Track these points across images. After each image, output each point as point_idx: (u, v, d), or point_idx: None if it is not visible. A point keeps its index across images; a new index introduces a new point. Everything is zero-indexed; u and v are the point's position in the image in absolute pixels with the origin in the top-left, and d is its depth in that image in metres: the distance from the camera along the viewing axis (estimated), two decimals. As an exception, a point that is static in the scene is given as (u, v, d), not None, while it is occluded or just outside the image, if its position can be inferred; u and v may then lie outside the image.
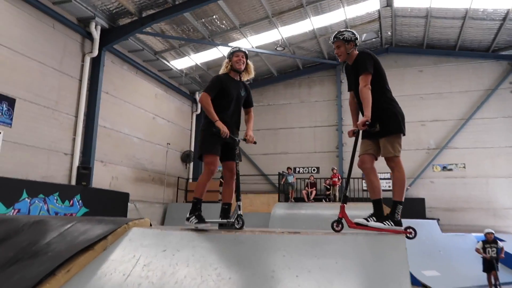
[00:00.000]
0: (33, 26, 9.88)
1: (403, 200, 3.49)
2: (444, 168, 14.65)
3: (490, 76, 14.82)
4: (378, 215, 3.47)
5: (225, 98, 3.97)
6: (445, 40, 14.81)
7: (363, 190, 15.10)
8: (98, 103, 11.57)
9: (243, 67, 4.09)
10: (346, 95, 16.65)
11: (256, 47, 14.53)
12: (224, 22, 12.88)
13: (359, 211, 11.56)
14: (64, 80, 10.76)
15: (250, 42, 14.11)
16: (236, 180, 3.98)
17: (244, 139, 4.08)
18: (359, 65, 3.51)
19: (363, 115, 3.43)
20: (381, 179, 13.59)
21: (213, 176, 3.90)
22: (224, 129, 3.78)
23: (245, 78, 4.21)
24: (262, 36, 14.01)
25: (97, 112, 11.51)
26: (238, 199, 3.94)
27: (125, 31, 11.69)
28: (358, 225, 3.36)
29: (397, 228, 3.31)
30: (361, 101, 3.46)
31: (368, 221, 3.39)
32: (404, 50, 15.91)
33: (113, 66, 12.66)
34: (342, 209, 3.51)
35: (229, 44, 13.91)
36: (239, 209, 3.86)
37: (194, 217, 3.73)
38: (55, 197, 9.87)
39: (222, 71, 4.15)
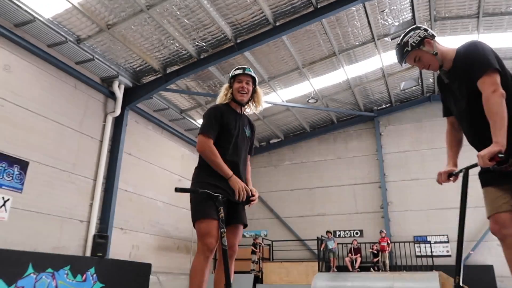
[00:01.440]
0: (54, 86, 9.46)
1: None
2: None
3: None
4: None
5: (225, 138, 2.89)
6: (495, 84, 13.44)
7: (416, 256, 13.15)
8: (119, 164, 10.78)
9: (246, 98, 3.03)
10: (387, 149, 15.32)
11: (287, 101, 13.70)
12: (252, 75, 12.21)
13: (418, 283, 9.66)
14: (84, 141, 10.11)
15: (280, 96, 13.32)
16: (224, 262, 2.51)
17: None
18: (472, 62, 2.26)
19: (480, 144, 2.20)
20: (436, 242, 11.44)
21: (212, 254, 2.67)
22: (242, 189, 2.71)
23: (252, 110, 3.16)
24: (293, 89, 13.22)
25: (118, 175, 10.68)
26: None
27: (149, 89, 11.18)
28: None
29: None
30: (473, 122, 2.29)
31: None
32: (449, 97, 14.60)
33: (137, 126, 12.06)
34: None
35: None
36: None
37: None
38: (66, 271, 8.72)
39: (220, 99, 3.07)
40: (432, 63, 2.46)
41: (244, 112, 3.16)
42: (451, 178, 2.41)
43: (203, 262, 2.60)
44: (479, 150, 2.08)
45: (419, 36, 2.47)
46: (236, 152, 2.91)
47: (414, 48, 2.45)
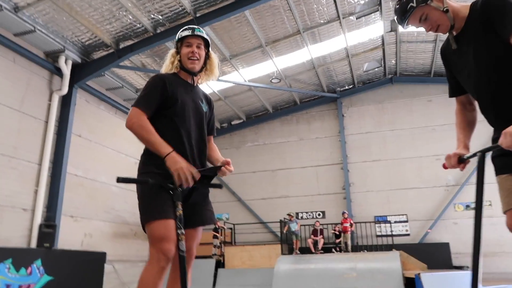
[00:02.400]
0: (-12, 60, 8.40)
1: None
2: (467, 206, 12.93)
3: (506, 103, 13.52)
4: None
5: (175, 112, 2.33)
6: (455, 66, 13.60)
7: (377, 236, 13.33)
8: (68, 147, 9.91)
9: (198, 66, 2.48)
10: (350, 130, 15.24)
11: (249, 81, 13.18)
12: (212, 53, 11.56)
13: (381, 263, 9.67)
14: (26, 121, 9.14)
15: (242, 75, 12.77)
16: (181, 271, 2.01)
17: (218, 168, 2.36)
18: (502, 14, 1.78)
19: (505, 120, 1.78)
20: (396, 222, 11.51)
21: (169, 264, 2.14)
22: (184, 170, 2.12)
23: (204, 80, 2.62)
24: (255, 68, 12.70)
25: (66, 158, 9.82)
26: None
27: (100, 65, 10.26)
28: None
29: None
30: (498, 93, 1.87)
31: None
32: (410, 79, 14.67)
33: (87, 105, 11.13)
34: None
35: (220, 78, 12.53)
36: None
37: None
38: (7, 265, 7.91)
39: (165, 68, 2.52)
40: (442, 22, 1.99)
41: (198, 83, 2.61)
42: (461, 164, 2.02)
43: (157, 275, 2.06)
44: (502, 128, 1.68)
45: None
46: (188, 130, 2.35)
47: (420, 4, 1.97)
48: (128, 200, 12.26)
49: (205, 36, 2.52)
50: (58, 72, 9.93)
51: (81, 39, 9.87)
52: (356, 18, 11.20)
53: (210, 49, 2.59)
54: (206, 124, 2.51)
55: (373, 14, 11.22)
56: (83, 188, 10.61)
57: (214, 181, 2.42)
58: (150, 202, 2.19)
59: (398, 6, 2.08)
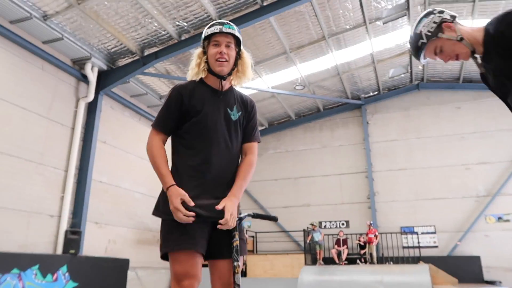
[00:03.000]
0: (18, 67, 8.51)
1: None
2: (500, 218, 12.39)
3: (540, 111, 12.94)
4: None
5: (195, 128, 2.08)
6: (485, 72, 13.13)
7: (403, 247, 12.92)
8: (93, 154, 9.97)
9: (227, 69, 2.14)
10: (374, 138, 14.91)
11: (272, 87, 13.06)
12: (236, 60, 11.49)
13: (409, 277, 9.29)
14: (53, 128, 9.24)
15: (265, 81, 12.66)
16: None
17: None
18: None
19: None
20: (423, 233, 11.04)
21: None
22: (178, 208, 1.90)
23: (236, 83, 2.27)
24: (279, 75, 12.57)
25: (92, 165, 9.87)
26: None
27: (125, 73, 10.31)
28: None
29: None
30: None
31: None
32: (438, 85, 14.27)
33: (112, 112, 11.21)
34: None
35: (242, 85, 12.43)
36: None
37: None
38: (34, 271, 7.97)
39: (191, 72, 2.19)
40: (460, 51, 1.88)
41: (230, 87, 2.27)
42: None
43: None
44: None
45: (435, 22, 1.90)
46: (210, 148, 2.07)
47: (431, 38, 1.90)
48: (150, 206, 12.05)
49: (236, 34, 2.17)
50: (85, 79, 10.03)
51: (107, 47, 9.95)
52: (383, 23, 10.96)
53: (241, 47, 2.24)
54: (237, 133, 2.19)
55: (400, 18, 10.96)
56: (107, 195, 10.64)
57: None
58: (170, 230, 2.02)
59: (410, 44, 2.02)
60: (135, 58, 10.25)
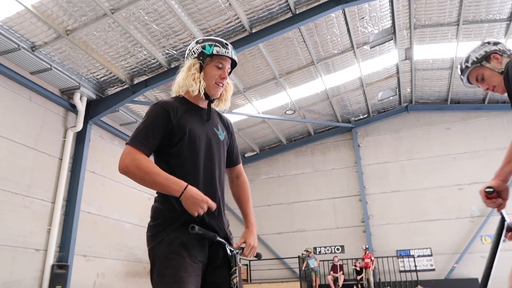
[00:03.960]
0: (5, 98, 8.38)
1: None
2: (495, 239, 12.27)
3: (529, 129, 13.10)
4: None
5: (184, 150, 1.91)
6: (472, 93, 13.36)
7: (400, 271, 12.70)
8: (82, 184, 9.74)
9: (220, 93, 2.08)
10: (366, 160, 14.90)
11: (263, 113, 13.07)
12: (226, 86, 11.51)
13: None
14: (40, 159, 9.04)
15: (255, 107, 12.68)
16: None
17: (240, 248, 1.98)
18: None
19: None
20: (420, 256, 10.87)
21: None
22: (203, 203, 1.74)
23: (217, 107, 2.16)
24: (269, 100, 12.61)
25: (80, 195, 9.63)
26: None
27: (115, 101, 10.24)
28: None
29: None
30: None
31: None
32: (427, 107, 14.43)
33: (101, 141, 11.06)
34: None
35: (233, 111, 12.45)
36: None
37: None
38: (18, 310, 7.60)
39: (184, 84, 2.01)
40: (497, 84, 1.97)
41: (212, 107, 2.15)
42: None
43: None
44: None
45: (485, 51, 2.02)
46: (200, 173, 1.92)
47: (475, 64, 2.02)
48: (141, 237, 11.95)
49: (237, 61, 2.13)
50: (73, 108, 9.92)
51: (96, 76, 9.91)
52: (370, 48, 11.14)
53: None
54: (224, 153, 2.09)
55: (387, 43, 11.15)
56: (96, 226, 10.35)
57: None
58: (165, 268, 1.77)
59: (459, 66, 2.13)
60: (125, 86, 10.21)
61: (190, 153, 1.91)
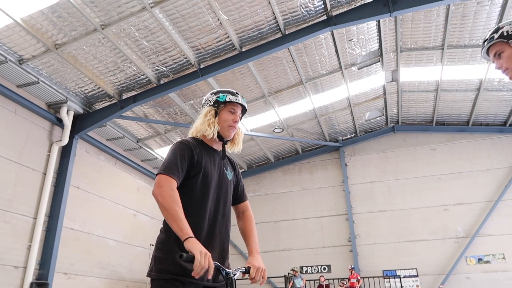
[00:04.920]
0: (-11, 111, 8.28)
1: None
2: (480, 260, 12.37)
3: (512, 152, 13.37)
4: None
5: (197, 187, 2.13)
6: (457, 115, 13.63)
7: (387, 292, 12.62)
8: (65, 199, 9.55)
9: (232, 133, 2.34)
10: (353, 180, 14.97)
11: (251, 130, 13.10)
12: (215, 103, 11.54)
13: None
14: (24, 173, 8.87)
15: (244, 125, 12.71)
16: None
17: (245, 271, 2.07)
18: None
19: None
20: (406, 276, 10.79)
21: None
22: (202, 258, 1.75)
23: (229, 149, 2.42)
24: (258, 118, 12.67)
25: (63, 211, 9.42)
26: None
27: (102, 116, 10.16)
28: None
29: None
30: None
31: None
32: (412, 128, 14.65)
33: (87, 156, 10.92)
34: None
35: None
36: None
37: None
38: (-7, 330, 7.32)
39: (200, 128, 2.28)
40: (509, 66, 1.82)
41: (224, 149, 2.42)
42: None
43: None
44: None
45: None
46: (213, 205, 2.18)
47: (501, 38, 1.81)
48: (124, 254, 11.73)
49: (246, 108, 2.42)
50: (59, 122, 9.81)
51: (84, 90, 9.84)
52: (358, 69, 11.33)
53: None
54: (231, 192, 2.35)
55: (374, 64, 11.37)
56: (78, 243, 10.13)
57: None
58: None
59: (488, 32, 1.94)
60: (113, 101, 10.15)
61: (202, 187, 2.14)
